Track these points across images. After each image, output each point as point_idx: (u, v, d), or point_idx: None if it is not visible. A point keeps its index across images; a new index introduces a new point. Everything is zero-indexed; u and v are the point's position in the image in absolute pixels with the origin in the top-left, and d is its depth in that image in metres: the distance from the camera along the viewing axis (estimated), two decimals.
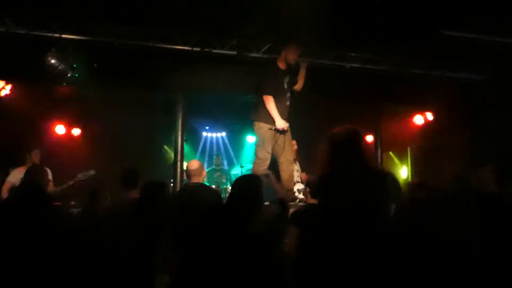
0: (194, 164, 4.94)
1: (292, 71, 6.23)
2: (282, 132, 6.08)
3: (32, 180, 4.33)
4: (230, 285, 3.28)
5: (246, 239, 3.41)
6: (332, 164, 3.20)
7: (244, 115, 8.59)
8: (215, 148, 11.42)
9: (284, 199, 4.04)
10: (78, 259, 3.98)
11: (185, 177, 6.70)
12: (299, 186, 7.00)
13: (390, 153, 10.06)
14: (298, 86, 6.40)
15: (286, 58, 6.07)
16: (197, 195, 4.64)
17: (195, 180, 4.83)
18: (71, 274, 3.86)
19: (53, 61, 6.00)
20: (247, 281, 3.28)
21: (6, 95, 7.41)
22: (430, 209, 3.19)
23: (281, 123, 5.97)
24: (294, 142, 7.26)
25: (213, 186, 8.71)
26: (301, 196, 6.71)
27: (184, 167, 6.77)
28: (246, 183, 3.74)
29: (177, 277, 4.25)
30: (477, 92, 7.76)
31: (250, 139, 10.97)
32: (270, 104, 5.94)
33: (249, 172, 7.96)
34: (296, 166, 7.25)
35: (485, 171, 4.55)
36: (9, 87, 7.40)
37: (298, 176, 7.17)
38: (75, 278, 3.87)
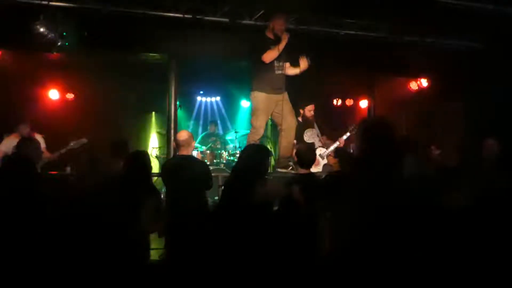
0: (183, 134, 4.92)
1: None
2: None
3: (22, 154, 4.34)
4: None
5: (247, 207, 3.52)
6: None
7: (238, 79, 8.58)
8: (209, 113, 11.37)
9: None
10: (68, 230, 4.05)
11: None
12: (320, 150, 7.08)
13: None
14: (288, 71, 6.33)
15: (274, 29, 6.03)
16: (185, 167, 4.66)
17: (183, 151, 4.83)
18: (62, 244, 3.94)
19: (42, 29, 5.86)
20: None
21: None
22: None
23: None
24: (311, 107, 7.33)
25: (208, 152, 8.77)
26: (323, 162, 6.85)
27: None
28: (254, 152, 3.92)
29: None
30: (472, 60, 7.71)
31: (245, 103, 10.93)
32: (269, 55, 5.92)
33: (244, 139, 8.04)
34: (316, 131, 7.32)
35: (489, 142, 4.56)
36: None
37: (319, 141, 7.26)
38: (67, 247, 3.95)
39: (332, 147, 7.05)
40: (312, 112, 7.30)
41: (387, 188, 2.90)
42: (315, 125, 7.37)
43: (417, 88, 9.31)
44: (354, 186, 3.01)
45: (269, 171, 3.97)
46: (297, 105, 7.08)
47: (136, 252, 3.99)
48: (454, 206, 2.87)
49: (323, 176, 6.19)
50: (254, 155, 3.85)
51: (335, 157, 5.50)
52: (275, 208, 3.94)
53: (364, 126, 3.29)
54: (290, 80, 6.44)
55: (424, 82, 9.07)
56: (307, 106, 7.37)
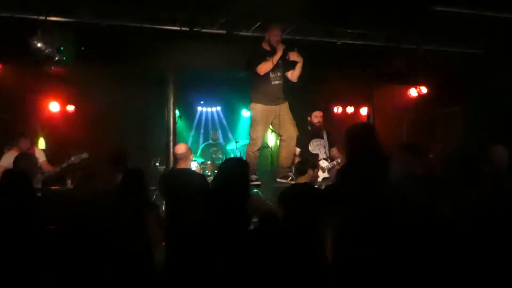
0: (181, 148, 4.87)
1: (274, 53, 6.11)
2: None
3: (19, 169, 4.37)
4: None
5: (239, 220, 3.45)
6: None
7: (238, 88, 8.59)
8: (210, 123, 11.37)
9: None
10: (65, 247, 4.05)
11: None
12: (323, 163, 6.75)
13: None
14: (293, 77, 6.32)
15: (269, 40, 6.05)
16: (182, 181, 4.64)
17: (181, 164, 4.79)
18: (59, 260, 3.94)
19: (39, 44, 5.90)
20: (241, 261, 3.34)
21: None
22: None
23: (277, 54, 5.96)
24: (318, 113, 6.91)
25: (209, 162, 8.74)
26: (324, 175, 6.67)
27: None
28: (232, 166, 3.67)
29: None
30: (470, 65, 7.71)
31: (245, 113, 10.93)
32: (263, 67, 5.94)
33: (245, 149, 7.98)
34: (323, 141, 6.91)
35: (498, 150, 4.49)
36: None
37: (324, 153, 6.85)
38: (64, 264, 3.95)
39: (334, 162, 6.69)
40: (319, 118, 6.84)
41: (369, 195, 2.90)
42: (325, 135, 6.93)
43: (416, 95, 9.29)
44: (341, 196, 3.02)
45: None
46: (303, 113, 6.89)
47: (137, 264, 3.99)
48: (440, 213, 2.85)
49: (322, 187, 6.15)
50: (231, 169, 3.59)
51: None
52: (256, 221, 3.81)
53: (347, 134, 3.29)
54: (292, 89, 6.43)
55: (423, 89, 9.06)
56: (313, 112, 6.95)
